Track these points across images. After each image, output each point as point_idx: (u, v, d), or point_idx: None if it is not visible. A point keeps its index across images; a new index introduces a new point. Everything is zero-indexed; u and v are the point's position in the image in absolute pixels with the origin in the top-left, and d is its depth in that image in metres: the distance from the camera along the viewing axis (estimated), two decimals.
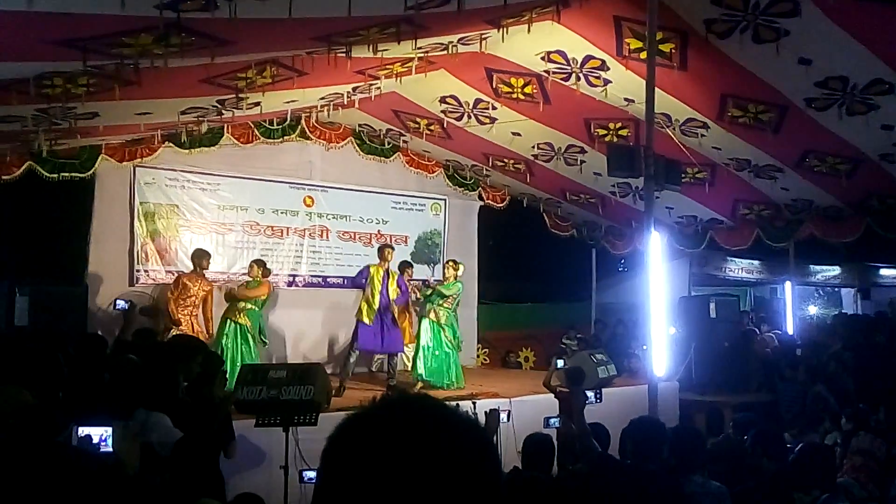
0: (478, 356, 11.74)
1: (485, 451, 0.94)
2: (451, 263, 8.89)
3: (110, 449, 2.83)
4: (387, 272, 8.59)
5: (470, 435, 0.95)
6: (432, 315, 8.56)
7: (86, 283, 8.37)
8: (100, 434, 2.86)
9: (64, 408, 3.79)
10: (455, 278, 8.68)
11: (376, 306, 8.42)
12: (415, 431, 0.91)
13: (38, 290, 7.49)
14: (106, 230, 8.69)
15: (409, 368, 9.11)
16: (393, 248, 8.88)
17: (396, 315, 8.61)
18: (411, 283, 9.48)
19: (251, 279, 8.42)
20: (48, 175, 7.94)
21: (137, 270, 8.84)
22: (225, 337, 8.03)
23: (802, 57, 5.80)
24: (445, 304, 8.59)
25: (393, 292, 8.52)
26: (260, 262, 8.55)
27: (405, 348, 9.33)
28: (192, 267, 8.33)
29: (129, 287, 8.69)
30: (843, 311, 15.58)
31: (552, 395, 6.84)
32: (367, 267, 8.67)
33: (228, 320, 8.13)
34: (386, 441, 0.90)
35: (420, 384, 8.22)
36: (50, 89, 5.33)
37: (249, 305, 8.21)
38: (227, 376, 7.16)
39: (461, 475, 0.89)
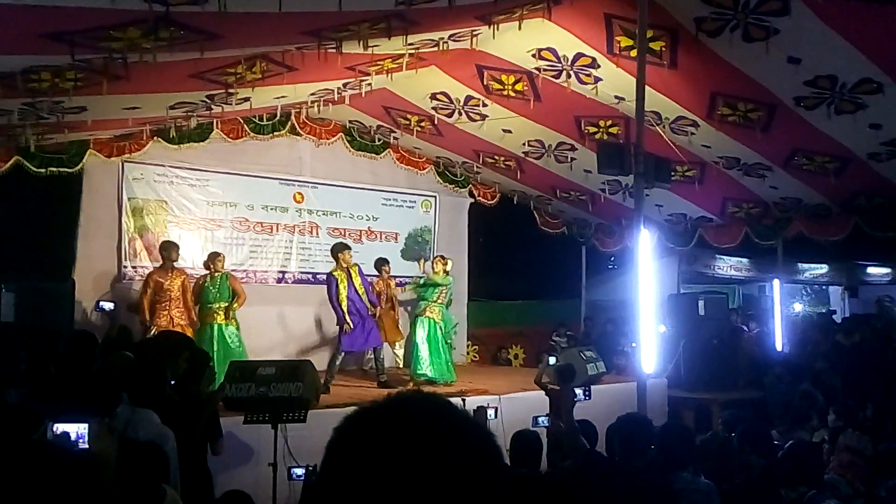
0: (468, 353, 11.75)
1: (491, 454, 0.95)
2: (439, 258, 8.93)
3: (87, 446, 2.79)
4: (347, 272, 8.41)
5: (477, 437, 0.95)
6: (428, 312, 8.57)
7: (73, 279, 8.30)
8: (76, 431, 2.82)
9: (49, 404, 3.77)
10: (444, 273, 8.69)
11: (345, 308, 8.33)
12: (423, 429, 0.92)
13: (24, 287, 7.43)
14: (94, 226, 8.63)
15: (401, 366, 9.11)
16: (348, 247, 8.63)
17: (371, 310, 8.50)
18: (394, 279, 9.51)
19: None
20: (35, 170, 7.88)
21: (125, 266, 8.78)
22: (213, 342, 7.88)
23: (792, 56, 5.83)
24: (439, 300, 8.61)
25: (359, 288, 8.38)
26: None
27: (394, 346, 9.33)
28: (161, 262, 8.15)
29: (117, 283, 8.65)
30: (831, 308, 15.69)
31: (542, 392, 6.86)
32: (329, 275, 8.45)
33: (210, 325, 7.97)
34: (393, 436, 0.90)
35: (412, 382, 8.21)
36: (37, 83, 5.28)
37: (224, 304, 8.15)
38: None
39: (465, 476, 0.90)
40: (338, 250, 8.52)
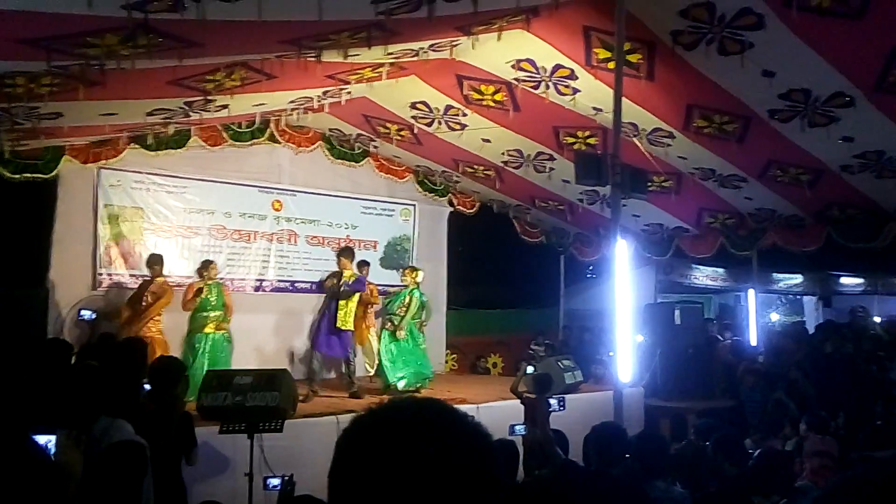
0: (446, 362, 11.75)
1: (490, 458, 0.99)
2: (409, 270, 9.01)
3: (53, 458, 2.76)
4: (339, 275, 8.55)
5: (478, 440, 1.00)
6: (388, 325, 8.66)
7: (47, 287, 8.20)
8: (43, 443, 2.79)
9: (21, 414, 3.71)
10: (414, 283, 8.75)
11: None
12: (427, 432, 0.96)
13: None
14: (69, 233, 8.51)
15: (372, 375, 9.10)
16: (346, 253, 8.77)
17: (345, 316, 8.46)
18: (376, 286, 9.54)
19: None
20: (10, 176, 7.77)
21: (100, 274, 8.68)
22: (203, 350, 7.87)
23: (766, 69, 5.92)
24: (399, 313, 8.66)
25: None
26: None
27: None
28: (149, 273, 8.16)
29: (91, 291, 8.54)
30: (803, 319, 15.89)
31: (520, 402, 6.87)
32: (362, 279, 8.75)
33: (202, 335, 7.95)
34: (397, 439, 0.95)
35: (387, 392, 8.22)
36: (12, 88, 5.22)
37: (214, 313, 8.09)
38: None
39: (466, 478, 0.94)
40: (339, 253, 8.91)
